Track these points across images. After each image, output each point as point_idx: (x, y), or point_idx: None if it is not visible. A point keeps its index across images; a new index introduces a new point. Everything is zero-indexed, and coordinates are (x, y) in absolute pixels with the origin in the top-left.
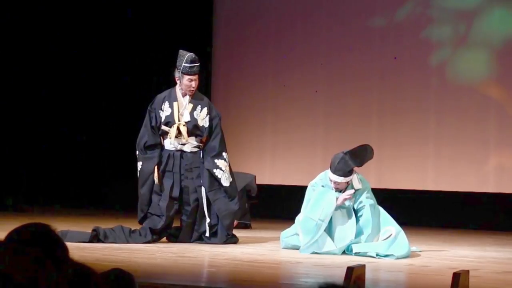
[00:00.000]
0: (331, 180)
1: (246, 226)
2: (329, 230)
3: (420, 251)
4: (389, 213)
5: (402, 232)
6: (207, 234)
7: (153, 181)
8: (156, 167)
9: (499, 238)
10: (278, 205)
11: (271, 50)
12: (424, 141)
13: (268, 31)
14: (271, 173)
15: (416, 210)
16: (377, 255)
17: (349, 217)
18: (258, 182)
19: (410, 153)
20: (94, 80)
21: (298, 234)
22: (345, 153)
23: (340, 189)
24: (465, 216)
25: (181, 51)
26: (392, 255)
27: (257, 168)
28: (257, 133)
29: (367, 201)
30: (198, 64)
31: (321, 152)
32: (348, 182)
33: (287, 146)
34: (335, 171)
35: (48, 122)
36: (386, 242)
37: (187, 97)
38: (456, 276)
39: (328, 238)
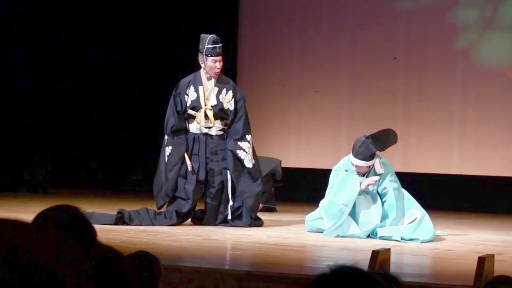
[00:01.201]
0: (352, 164)
1: (272, 210)
2: (353, 215)
3: (445, 235)
4: (414, 197)
5: (427, 216)
6: (229, 217)
7: (181, 165)
8: (186, 153)
9: None
10: (303, 188)
11: (296, 32)
12: (449, 125)
13: (295, 10)
14: (296, 156)
15: (441, 194)
16: (402, 239)
17: (374, 201)
18: (283, 165)
19: (435, 137)
20: (118, 64)
21: (322, 218)
22: (367, 137)
23: (362, 173)
24: (489, 200)
25: (202, 35)
26: (417, 239)
27: (282, 151)
28: (282, 116)
29: (391, 184)
30: (221, 44)
31: (346, 135)
32: (370, 166)
33: (312, 129)
34: (356, 154)
35: (72, 107)
36: (411, 226)
37: (212, 81)
38: (481, 260)
39: (353, 222)
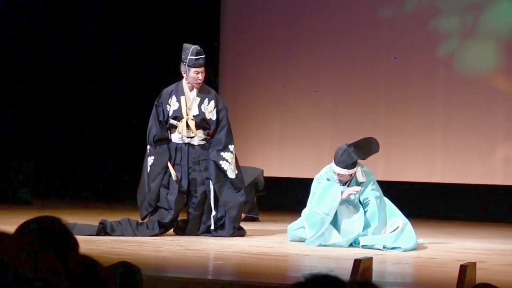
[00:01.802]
0: (334, 172)
1: (254, 220)
2: (335, 224)
3: (427, 244)
4: (396, 205)
5: (409, 224)
6: (212, 227)
7: (163, 175)
8: (169, 162)
9: (506, 230)
10: (285, 197)
11: (279, 41)
12: (431, 133)
13: (276, 22)
14: (278, 165)
15: (423, 203)
16: (384, 247)
17: (356, 210)
18: (265, 175)
19: (418, 145)
20: (100, 74)
21: (304, 227)
22: (349, 145)
23: (343, 181)
24: (472, 208)
25: (185, 45)
26: (399, 247)
27: (264, 161)
28: (265, 125)
29: (372, 193)
30: (204, 56)
31: (329, 144)
32: (351, 174)
33: (294, 138)
34: (338, 163)
35: (54, 115)
36: (393, 235)
37: (194, 91)
38: (463, 268)
39: (334, 231)
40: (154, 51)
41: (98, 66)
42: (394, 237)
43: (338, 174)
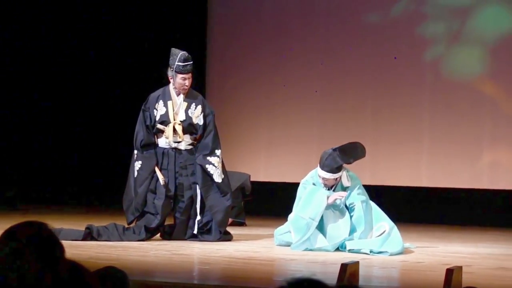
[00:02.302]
0: (319, 176)
1: (241, 224)
2: (321, 228)
3: (413, 248)
4: (383, 209)
5: (395, 228)
6: (195, 232)
7: (150, 180)
8: (156, 166)
9: (492, 234)
10: (272, 202)
11: (267, 47)
12: (418, 138)
13: (264, 28)
14: (265, 170)
15: (410, 207)
16: (371, 251)
17: (342, 215)
18: (252, 179)
19: (404, 149)
20: (88, 79)
21: (291, 232)
22: (334, 150)
23: (329, 186)
24: (458, 212)
25: (173, 50)
26: (385, 251)
27: (251, 166)
28: (252, 130)
29: (358, 197)
30: (191, 62)
31: (316, 149)
32: (336, 179)
33: (281, 143)
34: (323, 167)
35: (40, 121)
36: (380, 239)
37: (181, 96)
38: (449, 272)
39: (320, 235)
40: (140, 57)
41: (82, 71)
42: (380, 241)
43: (323, 178)
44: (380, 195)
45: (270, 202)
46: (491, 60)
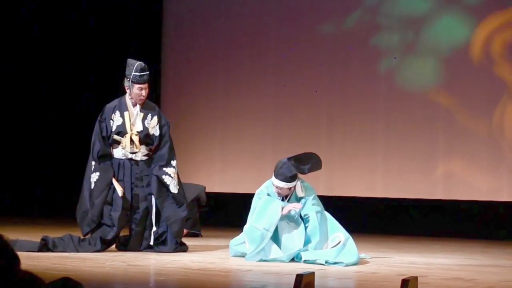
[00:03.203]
0: (273, 185)
1: (196, 235)
2: (276, 239)
3: (369, 258)
4: (338, 220)
5: (350, 239)
6: (151, 243)
7: (107, 192)
8: (113, 178)
9: (447, 245)
10: (227, 213)
11: (221, 61)
12: (373, 148)
13: (218, 42)
14: (220, 181)
15: (365, 217)
16: (326, 262)
17: (297, 225)
18: (207, 190)
19: (359, 160)
20: (44, 91)
21: (245, 243)
22: (289, 159)
23: (283, 195)
24: (413, 223)
25: (129, 60)
26: (341, 262)
27: (206, 177)
28: (207, 143)
29: (313, 208)
30: (148, 72)
31: (270, 160)
32: (290, 188)
33: (236, 155)
34: (277, 175)
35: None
36: (335, 250)
37: (138, 106)
38: (405, 282)
39: (274, 246)
40: (95, 68)
41: (41, 82)
42: (336, 252)
43: (277, 187)
44: (335, 205)
45: (225, 213)
46: (445, 71)
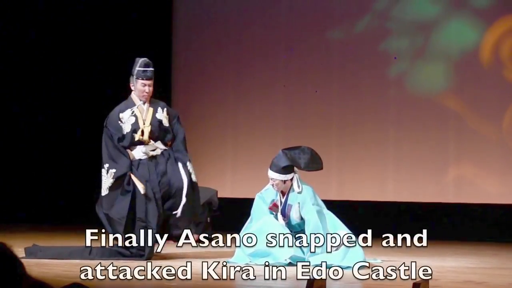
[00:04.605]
0: (269, 178)
1: (208, 239)
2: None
3: (379, 262)
4: (348, 224)
5: (353, 237)
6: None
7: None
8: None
9: (458, 248)
10: (239, 218)
11: (232, 66)
12: (383, 152)
13: (227, 42)
14: (232, 186)
15: (375, 221)
16: (332, 265)
17: (301, 227)
18: (219, 195)
19: (370, 164)
20: (53, 93)
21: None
22: (283, 150)
23: (279, 189)
24: (424, 226)
25: (136, 59)
26: (348, 266)
27: (218, 181)
28: (218, 146)
29: (313, 208)
30: (152, 69)
31: None
32: (284, 180)
33: (247, 159)
34: (271, 166)
35: (5, 137)
36: (341, 252)
37: (146, 103)
38: (416, 286)
39: (280, 249)
40: (103, 67)
41: (48, 84)
42: (341, 255)
43: (271, 179)
44: (346, 210)
45: (237, 218)
46: (456, 75)
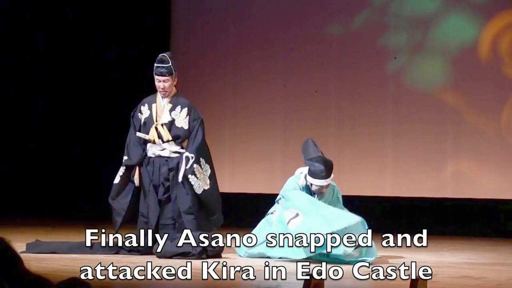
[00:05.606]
0: (316, 185)
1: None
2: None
3: (378, 257)
4: None
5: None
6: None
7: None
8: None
9: (456, 243)
10: (237, 213)
11: (230, 63)
12: (382, 148)
13: (226, 43)
14: (230, 181)
15: (373, 216)
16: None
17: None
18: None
19: (368, 159)
20: (62, 91)
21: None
22: (313, 157)
23: (323, 193)
24: (422, 221)
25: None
26: (365, 259)
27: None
28: (216, 142)
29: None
30: (165, 65)
31: (279, 160)
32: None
33: (245, 154)
34: (322, 175)
35: (10, 135)
36: (359, 251)
37: (166, 99)
38: (414, 281)
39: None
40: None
41: (61, 84)
42: (359, 253)
43: (326, 185)
44: (345, 205)
45: (234, 213)
46: (453, 70)
